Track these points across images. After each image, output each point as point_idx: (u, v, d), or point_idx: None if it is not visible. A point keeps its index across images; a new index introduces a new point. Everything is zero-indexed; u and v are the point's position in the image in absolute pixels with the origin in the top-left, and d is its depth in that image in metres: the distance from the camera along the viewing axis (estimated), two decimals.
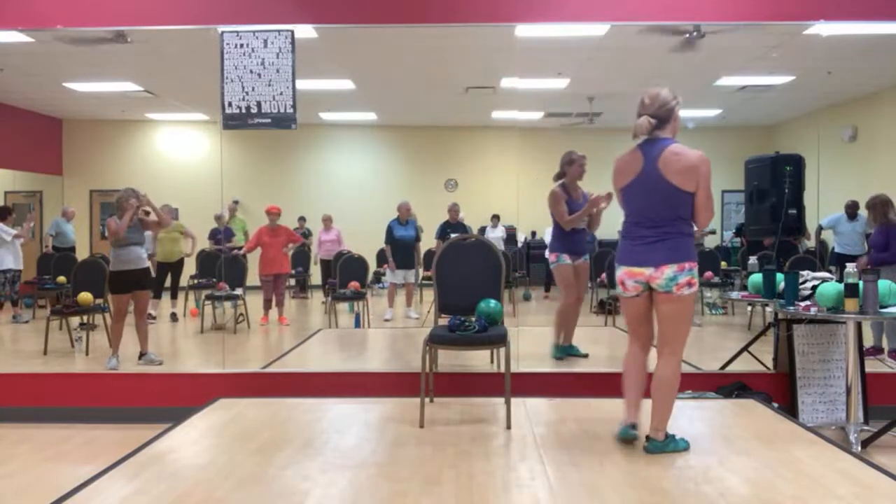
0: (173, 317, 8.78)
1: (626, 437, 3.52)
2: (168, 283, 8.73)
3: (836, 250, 7.21)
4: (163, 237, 8.61)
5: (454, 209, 9.56)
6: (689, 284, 3.36)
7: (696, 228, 3.45)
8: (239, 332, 7.93)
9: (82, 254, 10.02)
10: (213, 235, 10.03)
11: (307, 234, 10.93)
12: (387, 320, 8.69)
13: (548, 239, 5.82)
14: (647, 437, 3.44)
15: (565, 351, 5.65)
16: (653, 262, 3.37)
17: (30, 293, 9.87)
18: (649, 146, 3.44)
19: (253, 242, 8.74)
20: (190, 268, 9.85)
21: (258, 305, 8.64)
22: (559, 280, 5.64)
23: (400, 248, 8.89)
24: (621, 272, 3.49)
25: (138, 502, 2.84)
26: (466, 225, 9.89)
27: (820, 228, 7.70)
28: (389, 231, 8.97)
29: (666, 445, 3.41)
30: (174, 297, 8.84)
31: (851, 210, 7.56)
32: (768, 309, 6.29)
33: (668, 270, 3.34)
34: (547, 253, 5.79)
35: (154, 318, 8.68)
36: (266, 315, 8.55)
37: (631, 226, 3.49)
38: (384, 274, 9.10)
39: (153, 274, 7.05)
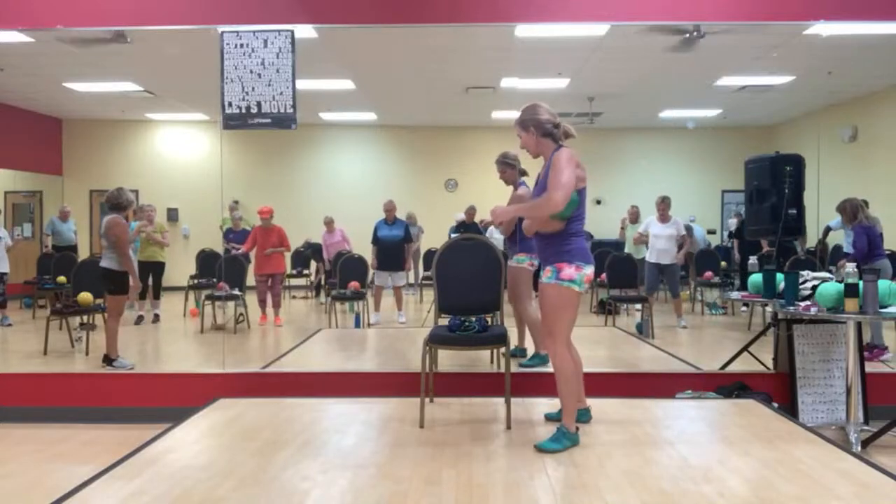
0: (156, 318, 8.77)
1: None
2: (150, 283, 8.69)
3: (845, 249, 7.20)
4: (144, 237, 8.60)
5: (471, 211, 9.89)
6: None
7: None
8: (239, 332, 7.93)
9: (83, 253, 10.03)
10: (226, 235, 10.00)
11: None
12: (371, 325, 8.38)
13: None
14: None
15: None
16: None
17: (30, 293, 9.88)
18: None
19: (249, 243, 8.72)
20: (190, 268, 9.86)
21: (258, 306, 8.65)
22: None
23: (384, 249, 8.65)
24: (591, 270, 3.53)
25: (138, 502, 2.84)
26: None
27: (828, 229, 7.71)
28: (374, 231, 8.80)
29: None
30: (156, 297, 8.86)
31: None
32: (768, 309, 6.30)
33: None
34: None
35: (143, 317, 8.71)
36: (264, 314, 8.54)
37: (583, 228, 3.59)
38: None
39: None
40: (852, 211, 6.05)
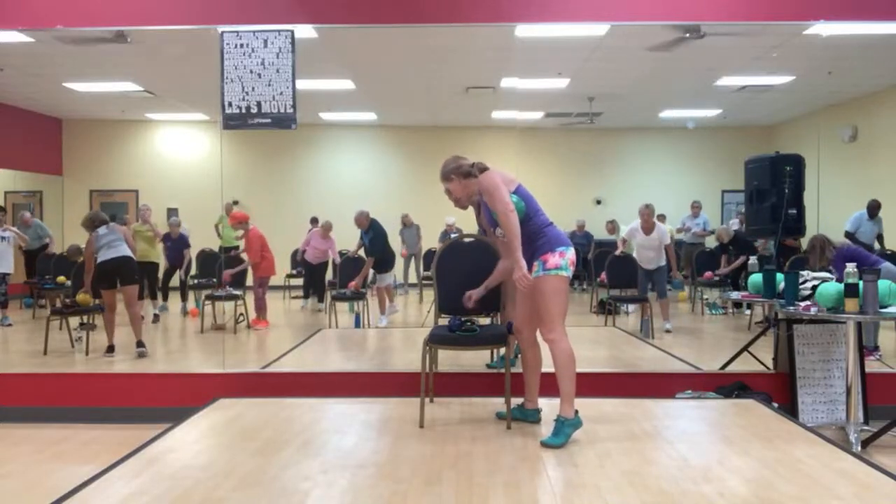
0: (155, 318, 8.80)
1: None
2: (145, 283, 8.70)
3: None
4: (136, 233, 8.61)
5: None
6: None
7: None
8: (239, 332, 7.93)
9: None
10: (164, 240, 9.61)
11: None
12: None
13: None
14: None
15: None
16: None
17: (30, 293, 9.88)
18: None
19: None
20: (190, 267, 9.84)
21: None
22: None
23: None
24: (573, 252, 3.71)
25: (138, 502, 2.84)
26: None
27: (848, 234, 7.66)
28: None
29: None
30: (153, 297, 8.86)
31: (874, 210, 7.61)
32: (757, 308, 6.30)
33: None
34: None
35: (158, 316, 8.91)
36: (255, 318, 8.50)
37: (547, 219, 3.78)
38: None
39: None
40: (821, 248, 5.60)
